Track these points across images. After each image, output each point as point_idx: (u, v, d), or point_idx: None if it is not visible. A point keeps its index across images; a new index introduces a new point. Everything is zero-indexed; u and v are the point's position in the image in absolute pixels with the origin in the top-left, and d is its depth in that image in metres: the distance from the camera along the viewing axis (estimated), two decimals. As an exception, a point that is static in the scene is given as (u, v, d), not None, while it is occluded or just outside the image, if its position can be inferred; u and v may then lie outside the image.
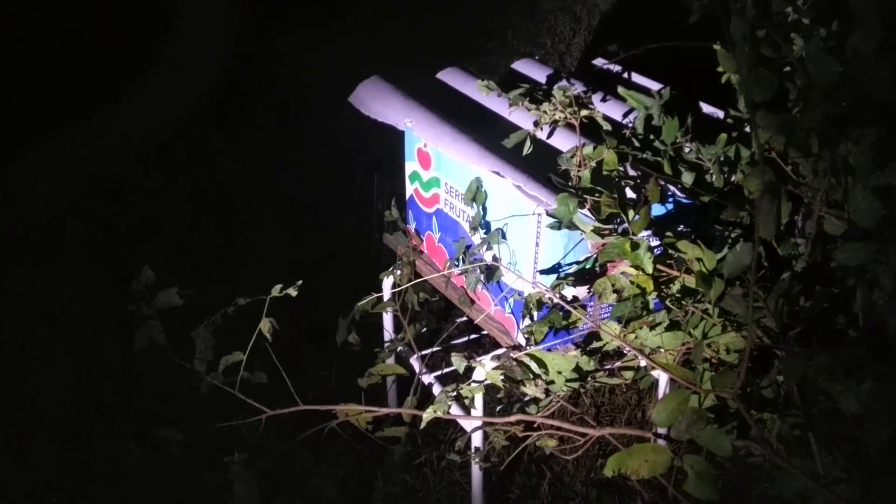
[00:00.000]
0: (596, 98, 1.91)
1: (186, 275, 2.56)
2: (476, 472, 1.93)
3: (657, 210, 1.65)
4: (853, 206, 1.34)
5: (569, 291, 1.62)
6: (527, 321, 1.56)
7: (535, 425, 1.58)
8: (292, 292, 1.65)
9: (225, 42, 3.66)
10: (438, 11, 4.08)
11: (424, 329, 2.09)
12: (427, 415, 1.42)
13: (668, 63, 1.83)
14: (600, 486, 2.08)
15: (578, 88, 1.88)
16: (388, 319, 2.20)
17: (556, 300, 1.50)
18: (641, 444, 1.21)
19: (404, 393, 1.82)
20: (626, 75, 2.04)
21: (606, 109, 1.87)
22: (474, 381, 1.45)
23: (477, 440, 1.81)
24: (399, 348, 2.03)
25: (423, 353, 2.00)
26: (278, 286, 1.66)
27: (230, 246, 2.89)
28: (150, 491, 1.98)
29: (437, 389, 1.94)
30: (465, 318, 2.12)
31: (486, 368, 1.42)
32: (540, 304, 1.46)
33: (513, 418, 1.46)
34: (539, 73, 2.08)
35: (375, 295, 1.85)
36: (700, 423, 1.16)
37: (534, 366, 1.42)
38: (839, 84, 1.20)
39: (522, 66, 2.15)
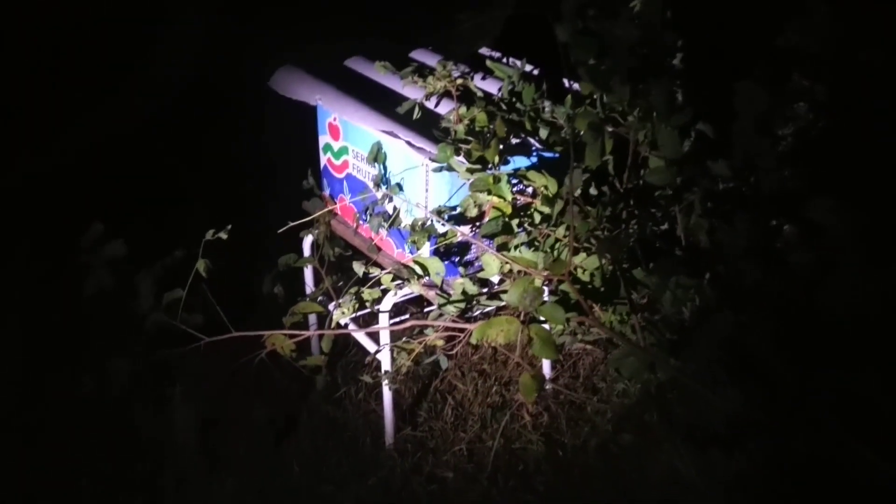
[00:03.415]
0: (477, 77, 2.29)
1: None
2: (387, 394, 2.27)
3: (523, 162, 2.03)
4: (660, 142, 1.74)
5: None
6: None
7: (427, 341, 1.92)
8: (223, 235, 1.96)
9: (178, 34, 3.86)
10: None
11: (340, 283, 2.40)
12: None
13: (533, 44, 2.21)
14: (494, 408, 2.44)
15: (462, 69, 2.25)
16: (308, 275, 2.52)
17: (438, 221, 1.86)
18: (498, 317, 1.57)
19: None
20: (504, 60, 2.43)
21: (485, 85, 2.25)
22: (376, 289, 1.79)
23: (386, 364, 2.15)
24: (319, 298, 2.36)
25: (339, 301, 2.33)
26: (211, 231, 1.97)
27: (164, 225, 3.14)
28: (100, 423, 2.24)
29: (352, 329, 2.28)
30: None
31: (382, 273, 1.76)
32: (424, 227, 1.82)
33: (408, 324, 1.81)
34: (431, 60, 2.45)
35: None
36: (540, 298, 1.53)
37: (418, 269, 1.77)
38: (637, 45, 1.60)
39: (418, 55, 2.52)
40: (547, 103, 2.02)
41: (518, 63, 2.12)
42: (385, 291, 1.78)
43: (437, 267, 1.78)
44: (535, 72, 2.20)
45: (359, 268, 1.80)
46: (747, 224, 1.79)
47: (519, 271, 1.81)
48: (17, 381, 2.36)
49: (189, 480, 2.16)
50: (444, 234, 1.85)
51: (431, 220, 1.86)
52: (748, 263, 1.74)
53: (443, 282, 1.95)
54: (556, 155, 2.03)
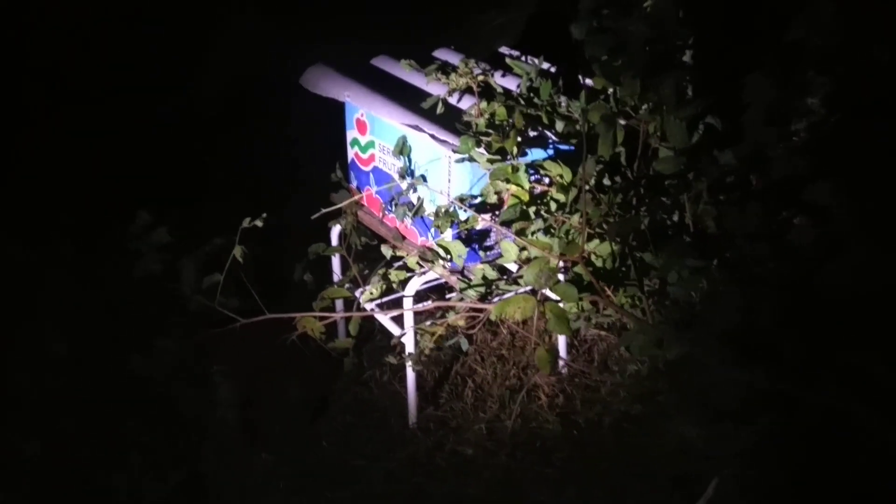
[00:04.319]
0: (497, 74, 2.41)
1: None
2: (410, 376, 2.40)
3: (539, 154, 2.15)
4: (669, 133, 1.85)
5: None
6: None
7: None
8: (259, 223, 2.10)
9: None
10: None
11: (366, 271, 2.53)
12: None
13: (547, 43, 2.34)
14: (512, 390, 2.56)
15: (483, 66, 2.38)
16: (335, 263, 2.65)
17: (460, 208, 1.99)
18: (516, 296, 1.69)
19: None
20: (520, 58, 2.55)
21: (504, 82, 2.37)
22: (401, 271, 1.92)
23: (410, 347, 2.28)
24: (346, 285, 2.49)
25: (366, 287, 2.46)
26: (247, 219, 2.11)
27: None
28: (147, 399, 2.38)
29: (377, 312, 2.41)
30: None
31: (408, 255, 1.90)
32: (447, 213, 1.95)
33: (431, 306, 1.93)
34: (453, 58, 2.57)
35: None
36: (555, 278, 1.65)
37: (441, 252, 1.91)
38: (649, 41, 1.72)
39: (440, 54, 2.64)
40: (563, 98, 2.14)
41: (535, 61, 2.24)
42: (411, 274, 1.91)
43: (459, 250, 1.91)
44: (552, 69, 2.32)
45: (387, 250, 1.94)
46: (757, 209, 1.90)
47: (535, 257, 1.94)
48: (69, 361, 2.51)
49: (229, 454, 2.30)
50: (466, 221, 1.98)
51: (454, 207, 1.99)
52: (757, 245, 1.85)
53: (464, 267, 2.08)
54: (572, 147, 2.16)
